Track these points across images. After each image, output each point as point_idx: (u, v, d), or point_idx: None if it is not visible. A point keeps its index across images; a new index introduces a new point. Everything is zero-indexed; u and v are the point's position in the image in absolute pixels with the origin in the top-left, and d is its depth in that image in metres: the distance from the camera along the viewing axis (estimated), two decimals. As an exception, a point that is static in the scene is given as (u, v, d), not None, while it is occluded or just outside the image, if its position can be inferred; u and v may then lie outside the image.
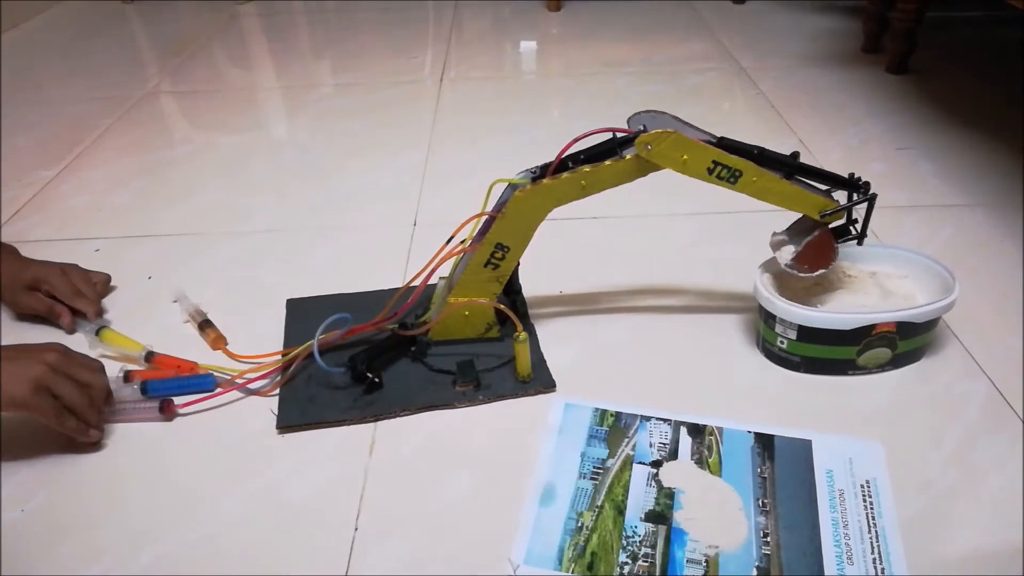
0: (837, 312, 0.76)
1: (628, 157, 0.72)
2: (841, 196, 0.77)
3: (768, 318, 0.77)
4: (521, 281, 0.85)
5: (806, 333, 0.75)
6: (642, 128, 0.72)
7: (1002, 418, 0.72)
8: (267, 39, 1.91)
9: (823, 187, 0.77)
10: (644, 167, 0.73)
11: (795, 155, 0.74)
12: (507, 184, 0.76)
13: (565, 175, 0.73)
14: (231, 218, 1.10)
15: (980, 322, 0.83)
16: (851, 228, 0.79)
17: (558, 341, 0.83)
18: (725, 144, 0.73)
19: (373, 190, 1.17)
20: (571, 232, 1.02)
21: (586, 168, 0.73)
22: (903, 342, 0.76)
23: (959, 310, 0.77)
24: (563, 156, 0.73)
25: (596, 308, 0.89)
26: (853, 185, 0.76)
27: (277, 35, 1.93)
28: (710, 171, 0.73)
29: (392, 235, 1.03)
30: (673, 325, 0.86)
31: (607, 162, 0.72)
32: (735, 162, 0.72)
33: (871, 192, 0.76)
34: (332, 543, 0.62)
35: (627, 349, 0.82)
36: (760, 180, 0.73)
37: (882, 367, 0.77)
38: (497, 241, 0.76)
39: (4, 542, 0.64)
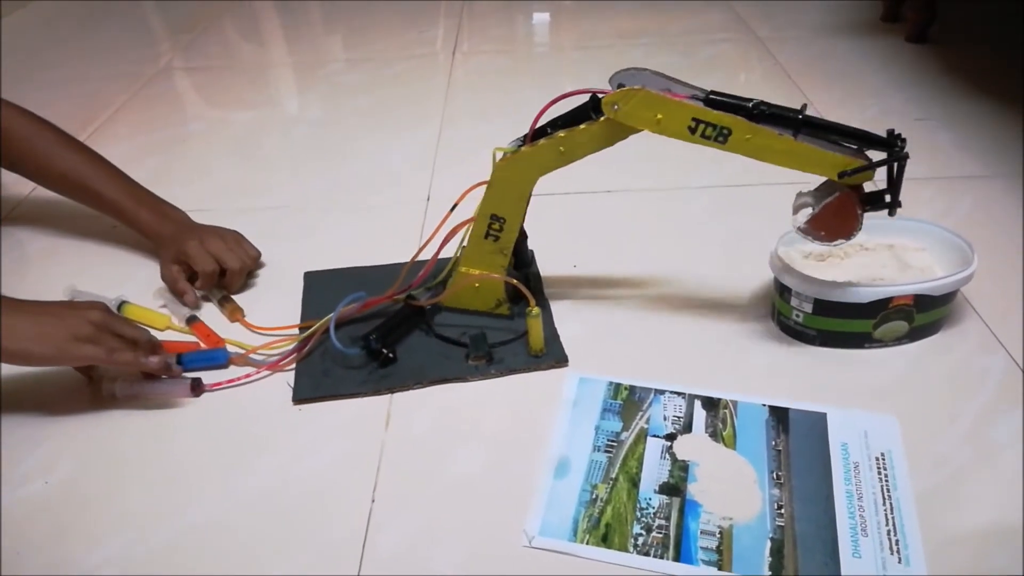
0: (854, 285, 0.76)
1: (600, 120, 0.68)
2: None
3: (783, 291, 0.77)
4: (536, 255, 0.85)
5: (822, 306, 0.75)
6: (620, 87, 0.68)
7: (1020, 392, 0.71)
8: (278, 13, 1.90)
9: (852, 145, 0.68)
10: (617, 130, 0.69)
11: (803, 108, 0.67)
12: (502, 152, 0.75)
13: (542, 142, 0.70)
14: (246, 194, 1.11)
15: (999, 295, 0.82)
16: (884, 195, 0.68)
17: (572, 315, 0.83)
18: (714, 99, 0.67)
19: (386, 165, 1.17)
20: (584, 206, 1.02)
21: (561, 133, 0.70)
22: (920, 315, 0.75)
23: (977, 282, 0.76)
24: (557, 120, 0.70)
25: (610, 282, 0.88)
26: (886, 143, 0.67)
27: (288, 9, 1.91)
28: (692, 130, 0.67)
29: (406, 210, 1.03)
30: (688, 298, 0.85)
31: (582, 126, 0.69)
32: (719, 118, 0.66)
33: (899, 150, 0.66)
34: (350, 515, 0.63)
35: (641, 322, 0.82)
36: (755, 138, 0.66)
37: (899, 340, 0.77)
38: (491, 212, 0.75)
39: (27, 514, 0.65)
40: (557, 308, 0.84)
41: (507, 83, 1.45)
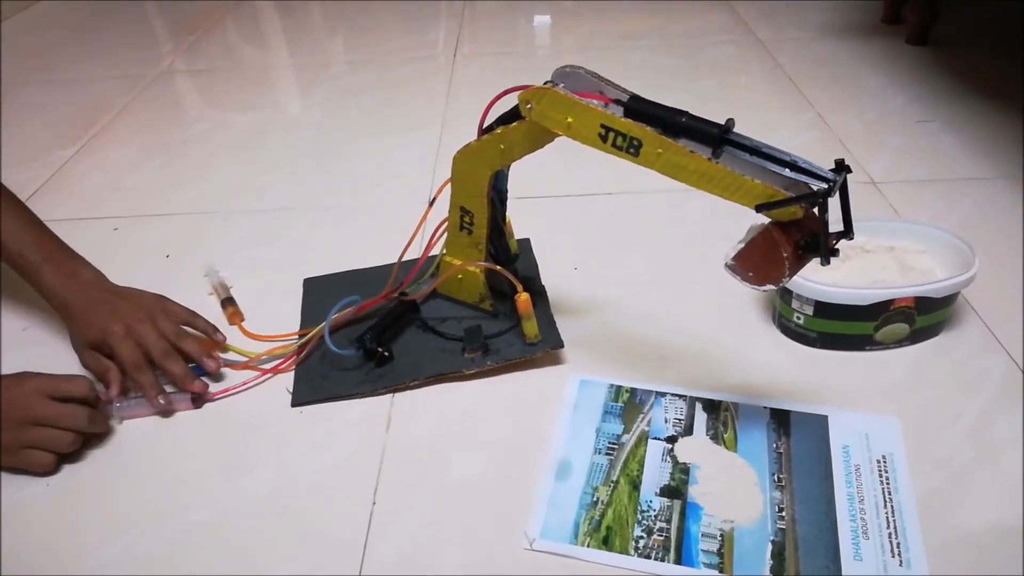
0: (855, 287, 0.76)
1: (525, 119, 0.65)
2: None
3: (784, 293, 0.77)
4: (536, 257, 0.84)
5: (823, 308, 0.75)
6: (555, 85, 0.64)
7: (1020, 393, 0.71)
8: (279, 16, 1.91)
9: (798, 175, 0.56)
10: (540, 131, 0.65)
11: (728, 123, 0.58)
12: None
13: (486, 136, 0.69)
14: (247, 196, 1.11)
15: (1000, 297, 0.82)
16: (827, 240, 0.55)
17: (573, 317, 0.83)
18: (630, 106, 0.60)
19: (388, 167, 1.17)
20: (585, 208, 1.02)
21: (499, 130, 0.68)
22: (921, 317, 0.75)
23: (978, 285, 0.76)
24: (503, 116, 0.70)
25: (611, 284, 0.88)
26: (820, 176, 0.54)
27: (289, 12, 1.92)
28: (603, 138, 0.61)
29: (408, 212, 1.03)
30: (689, 301, 0.85)
31: (514, 124, 0.67)
32: (627, 127, 0.59)
33: (830, 187, 0.53)
34: (351, 517, 0.63)
35: (642, 325, 0.82)
36: (666, 153, 0.59)
37: (900, 342, 0.77)
38: (460, 204, 0.75)
39: (29, 516, 0.65)
40: (558, 310, 0.84)
41: (508, 85, 1.44)
